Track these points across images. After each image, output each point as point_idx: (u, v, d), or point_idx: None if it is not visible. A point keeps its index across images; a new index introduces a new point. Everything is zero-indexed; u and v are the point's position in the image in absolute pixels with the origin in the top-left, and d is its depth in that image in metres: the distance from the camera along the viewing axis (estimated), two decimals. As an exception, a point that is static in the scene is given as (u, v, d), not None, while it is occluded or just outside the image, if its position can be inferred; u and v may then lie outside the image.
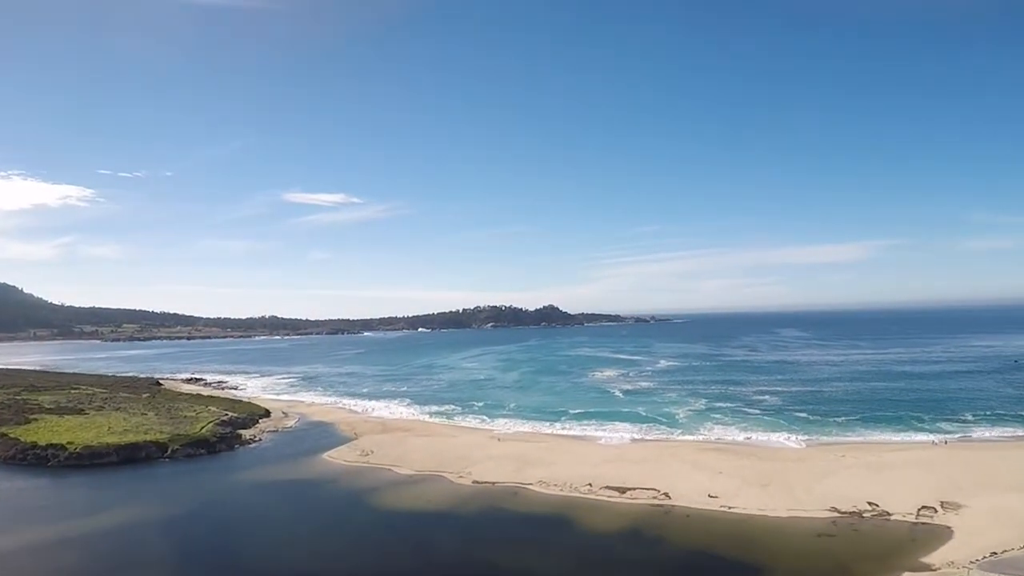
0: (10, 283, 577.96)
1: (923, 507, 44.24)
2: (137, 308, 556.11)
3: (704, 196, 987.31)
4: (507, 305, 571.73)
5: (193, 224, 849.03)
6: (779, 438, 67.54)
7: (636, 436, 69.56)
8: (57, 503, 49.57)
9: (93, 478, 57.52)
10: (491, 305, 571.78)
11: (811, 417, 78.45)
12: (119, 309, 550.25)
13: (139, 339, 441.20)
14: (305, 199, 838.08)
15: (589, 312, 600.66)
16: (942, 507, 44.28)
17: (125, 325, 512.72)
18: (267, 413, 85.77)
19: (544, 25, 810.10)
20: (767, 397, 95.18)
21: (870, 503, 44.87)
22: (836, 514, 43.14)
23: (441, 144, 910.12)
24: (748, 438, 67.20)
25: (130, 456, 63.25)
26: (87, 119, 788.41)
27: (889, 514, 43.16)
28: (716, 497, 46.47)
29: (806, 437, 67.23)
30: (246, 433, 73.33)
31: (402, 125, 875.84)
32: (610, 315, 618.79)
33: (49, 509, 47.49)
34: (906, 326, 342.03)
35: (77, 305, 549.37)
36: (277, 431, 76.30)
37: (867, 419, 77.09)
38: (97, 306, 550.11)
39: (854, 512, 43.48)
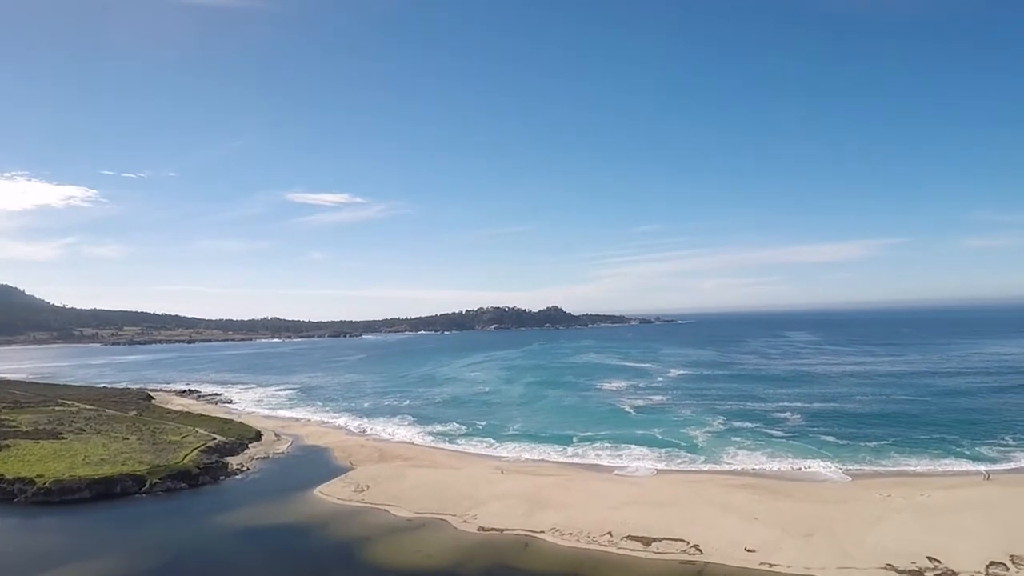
0: (12, 284, 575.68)
1: (991, 563, 38.81)
2: (139, 310, 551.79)
3: (705, 196, 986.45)
4: (510, 306, 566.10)
5: (196, 224, 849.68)
6: (811, 467, 62.27)
7: (656, 465, 64.21)
8: (9, 552, 44.36)
9: (60, 519, 52.40)
10: (494, 307, 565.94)
11: (840, 441, 72.97)
12: (120, 311, 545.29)
13: (139, 342, 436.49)
14: (308, 199, 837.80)
15: (593, 313, 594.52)
16: (1013, 563, 38.84)
17: (126, 328, 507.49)
18: (258, 436, 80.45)
19: (547, 29, 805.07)
20: (788, 415, 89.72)
21: (930, 558, 39.42)
22: (895, 574, 37.73)
23: (444, 145, 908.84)
24: (778, 469, 61.73)
25: (104, 491, 57.98)
26: (90, 120, 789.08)
27: (955, 573, 37.75)
28: (754, 551, 41.02)
29: (840, 467, 61.81)
30: (233, 461, 67.98)
31: (405, 125, 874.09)
32: (614, 316, 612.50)
33: (-2, 564, 42.28)
34: (916, 328, 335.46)
35: (79, 307, 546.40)
36: (267, 458, 70.97)
37: (900, 443, 71.67)
38: (98, 308, 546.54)
39: (914, 571, 38.04)
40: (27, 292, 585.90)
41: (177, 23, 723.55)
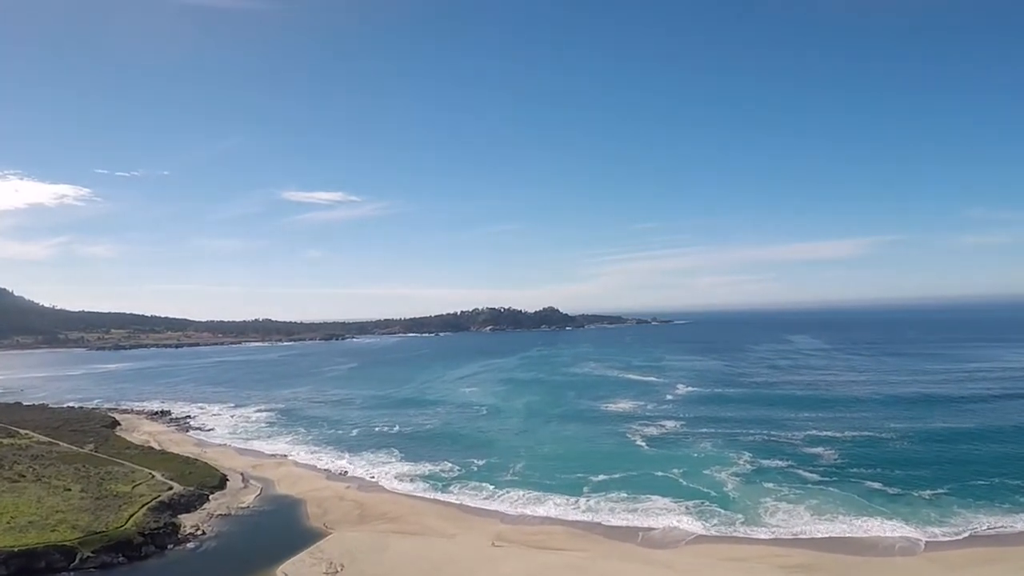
0: (1, 285, 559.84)
1: None
2: (128, 312, 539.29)
3: (700, 193, 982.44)
4: (506, 307, 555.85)
5: (190, 223, 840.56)
6: (869, 528, 53.28)
7: (685, 525, 54.97)
8: None
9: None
10: (489, 308, 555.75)
11: (889, 489, 63.58)
12: (110, 313, 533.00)
13: (124, 347, 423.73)
14: (302, 197, 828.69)
15: (589, 313, 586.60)
16: None
17: (114, 331, 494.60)
18: (222, 483, 70.16)
19: (543, 25, 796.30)
20: (820, 449, 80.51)
21: None
22: None
23: (439, 142, 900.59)
24: (832, 534, 52.41)
25: (26, 566, 48.27)
26: (84, 118, 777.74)
27: None
28: None
29: (906, 529, 52.67)
30: (188, 521, 58.01)
31: (400, 123, 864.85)
32: (611, 315, 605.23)
33: None
34: (921, 331, 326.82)
35: (69, 308, 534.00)
36: (229, 514, 60.99)
37: (959, 492, 62.50)
38: (87, 309, 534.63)
39: None
40: (15, 293, 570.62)
41: (171, 22, 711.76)
